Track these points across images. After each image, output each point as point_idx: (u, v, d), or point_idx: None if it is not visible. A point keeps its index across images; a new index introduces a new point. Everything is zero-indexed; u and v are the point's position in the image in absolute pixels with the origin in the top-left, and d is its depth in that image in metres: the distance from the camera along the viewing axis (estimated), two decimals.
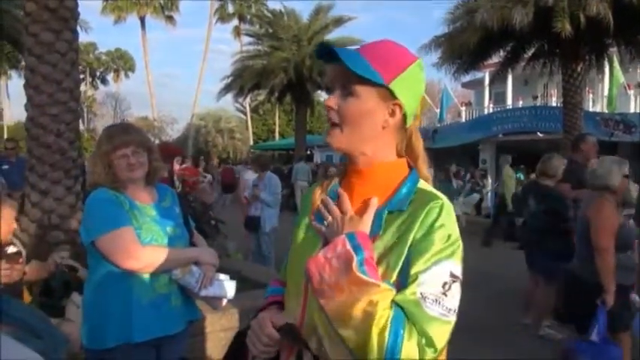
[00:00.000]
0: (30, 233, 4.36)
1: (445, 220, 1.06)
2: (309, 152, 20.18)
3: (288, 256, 1.27)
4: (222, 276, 2.26)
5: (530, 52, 11.89)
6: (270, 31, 21.01)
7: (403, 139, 1.18)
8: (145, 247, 2.03)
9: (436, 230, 1.05)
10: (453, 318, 1.02)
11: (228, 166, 21.59)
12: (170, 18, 41.73)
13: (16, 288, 2.23)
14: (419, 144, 1.20)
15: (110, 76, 53.28)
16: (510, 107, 20.43)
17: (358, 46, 1.16)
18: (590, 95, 18.49)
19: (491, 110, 21.07)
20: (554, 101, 19.01)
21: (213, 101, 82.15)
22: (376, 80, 1.08)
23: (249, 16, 37.19)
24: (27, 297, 2.93)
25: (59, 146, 4.53)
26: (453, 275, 1.02)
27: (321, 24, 20.60)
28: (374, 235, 1.08)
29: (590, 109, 17.27)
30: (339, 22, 20.93)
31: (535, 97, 20.34)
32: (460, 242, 1.07)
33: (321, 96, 21.49)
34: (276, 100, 22.04)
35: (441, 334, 0.99)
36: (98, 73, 52.45)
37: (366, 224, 1.07)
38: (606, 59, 12.10)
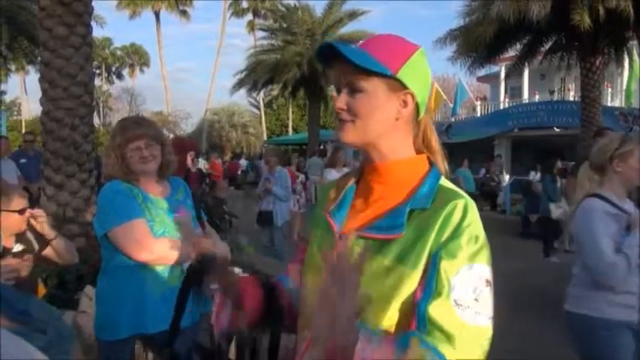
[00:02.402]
0: None
1: (472, 220, 1.02)
2: (322, 147, 20.10)
3: (306, 253, 1.23)
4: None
5: (547, 46, 11.74)
6: (284, 25, 20.98)
7: (418, 133, 1.15)
8: (157, 239, 2.03)
9: (464, 231, 1.01)
10: (488, 324, 0.98)
11: (233, 161, 22.93)
12: (184, 13, 41.93)
13: (30, 282, 2.25)
14: (434, 137, 1.17)
15: (125, 71, 53.76)
16: (527, 102, 20.22)
17: (358, 44, 1.13)
18: (609, 89, 18.19)
19: (507, 105, 20.85)
20: (572, 96, 18.75)
21: (227, 96, 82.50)
22: (383, 72, 1.05)
23: (263, 11, 37.22)
24: (42, 290, 2.96)
25: (73, 140, 4.58)
26: (484, 279, 0.99)
27: (335, 18, 20.51)
28: (397, 233, 1.04)
29: (609, 104, 16.99)
30: (353, 15, 20.80)
31: (552, 92, 20.06)
32: (487, 243, 1.03)
33: (335, 91, 21.43)
34: (289, 94, 22.05)
35: (476, 342, 0.97)
36: (114, 68, 52.90)
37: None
38: (626, 52, 11.88)
